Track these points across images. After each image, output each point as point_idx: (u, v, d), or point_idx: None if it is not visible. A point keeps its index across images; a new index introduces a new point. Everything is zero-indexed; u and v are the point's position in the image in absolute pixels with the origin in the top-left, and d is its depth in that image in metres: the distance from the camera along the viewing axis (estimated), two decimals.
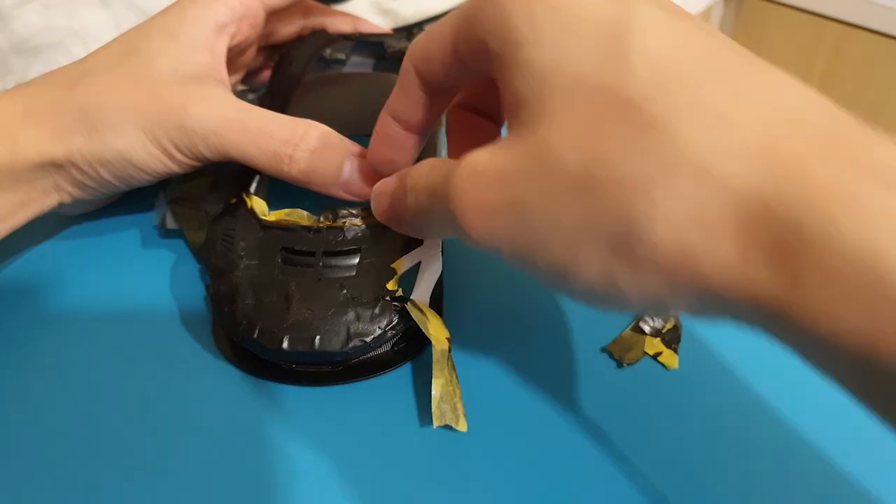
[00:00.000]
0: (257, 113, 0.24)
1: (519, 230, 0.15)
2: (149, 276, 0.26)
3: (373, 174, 0.24)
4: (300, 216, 0.24)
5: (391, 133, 0.21)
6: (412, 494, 0.19)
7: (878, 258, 0.11)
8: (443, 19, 0.18)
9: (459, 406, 0.20)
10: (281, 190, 0.28)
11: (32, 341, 0.24)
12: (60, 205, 0.25)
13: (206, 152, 0.24)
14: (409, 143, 0.21)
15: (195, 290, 0.26)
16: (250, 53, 0.32)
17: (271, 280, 0.22)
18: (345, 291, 0.22)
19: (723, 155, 0.13)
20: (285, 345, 0.21)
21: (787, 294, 0.12)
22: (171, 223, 0.27)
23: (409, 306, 0.22)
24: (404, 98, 0.20)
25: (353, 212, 0.24)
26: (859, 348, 0.11)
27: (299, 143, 0.24)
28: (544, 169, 0.15)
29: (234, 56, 0.30)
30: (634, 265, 0.14)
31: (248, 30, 0.28)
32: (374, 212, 0.22)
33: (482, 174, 0.16)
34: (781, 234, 0.12)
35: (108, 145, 0.24)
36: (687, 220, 0.13)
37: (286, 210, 0.25)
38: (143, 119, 0.23)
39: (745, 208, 0.12)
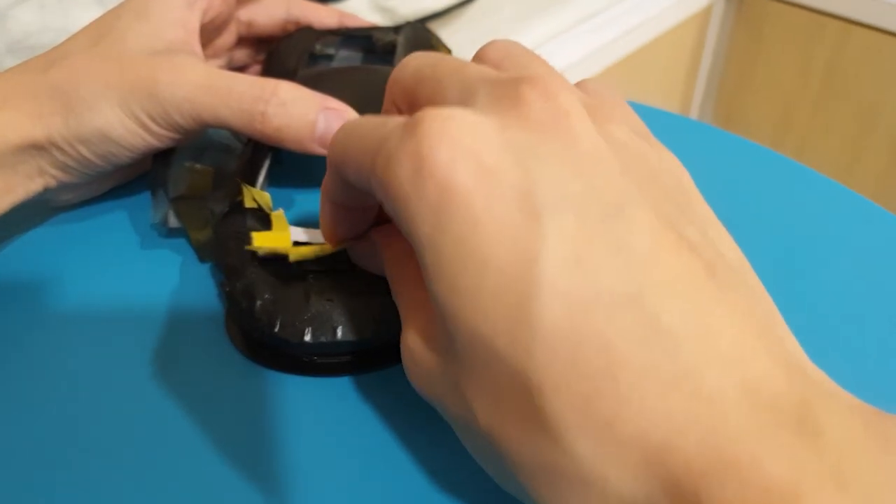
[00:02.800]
0: (227, 75, 0.25)
1: (450, 423, 0.16)
2: (151, 275, 0.26)
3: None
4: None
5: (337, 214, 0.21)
6: (435, 480, 0.19)
7: None
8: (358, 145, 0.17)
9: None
10: (281, 187, 0.28)
11: (34, 340, 0.24)
12: (46, 190, 0.26)
13: (181, 120, 0.24)
14: (360, 218, 0.21)
15: (200, 288, 0.25)
16: (228, 37, 0.32)
17: (288, 274, 0.23)
18: (360, 282, 0.22)
19: (604, 467, 0.12)
20: (308, 337, 0.21)
21: None
22: (173, 222, 0.27)
23: None
24: (338, 187, 0.20)
25: None
26: None
27: (270, 98, 0.24)
28: (462, 408, 0.15)
29: (210, 35, 0.30)
30: None
31: (220, 4, 0.29)
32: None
33: (416, 363, 0.17)
34: None
35: (86, 123, 0.24)
36: None
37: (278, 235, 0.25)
38: (117, 93, 0.24)
39: None
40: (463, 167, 0.14)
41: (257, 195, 0.25)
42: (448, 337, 0.14)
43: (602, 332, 0.12)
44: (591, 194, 0.14)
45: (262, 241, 0.24)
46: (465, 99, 0.16)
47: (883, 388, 0.22)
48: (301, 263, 0.23)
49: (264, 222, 0.25)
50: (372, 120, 0.17)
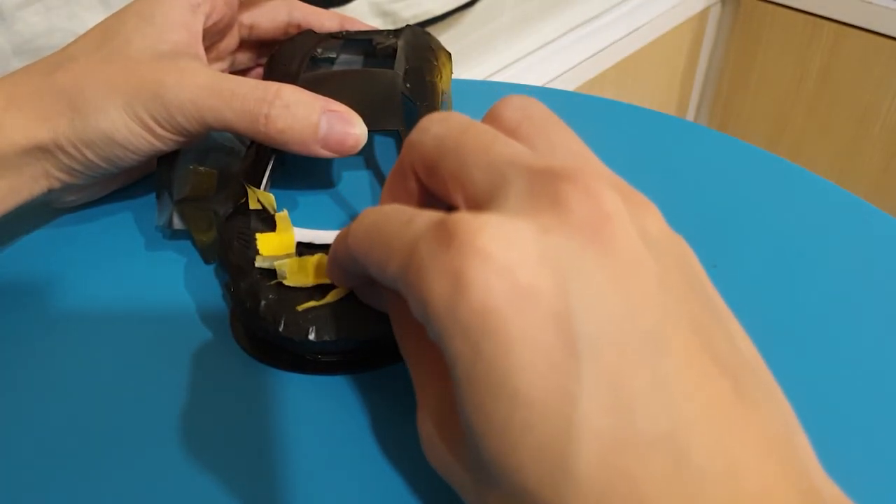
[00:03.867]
0: (231, 78, 0.25)
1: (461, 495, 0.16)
2: (156, 277, 0.26)
3: (348, 128, 0.25)
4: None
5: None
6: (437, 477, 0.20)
7: None
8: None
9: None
10: (285, 187, 0.28)
11: (40, 341, 0.24)
12: (50, 191, 0.26)
13: (185, 123, 0.24)
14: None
15: (205, 289, 0.26)
16: (231, 40, 0.32)
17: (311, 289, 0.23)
18: None
19: None
20: (311, 335, 0.21)
21: None
22: (177, 223, 0.27)
23: None
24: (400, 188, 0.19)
25: None
26: None
27: (273, 100, 0.24)
28: None
29: (213, 39, 0.30)
30: None
31: (223, 7, 0.29)
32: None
33: (435, 450, 0.16)
34: None
35: (91, 126, 0.24)
36: None
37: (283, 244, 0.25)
38: (122, 96, 0.24)
39: None
40: (498, 288, 0.13)
41: (262, 196, 0.25)
42: (474, 450, 0.14)
43: (633, 475, 0.12)
44: (630, 317, 0.13)
45: (266, 242, 0.24)
46: (494, 187, 0.15)
47: (881, 388, 0.22)
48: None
49: (268, 223, 0.25)
50: (397, 215, 0.16)
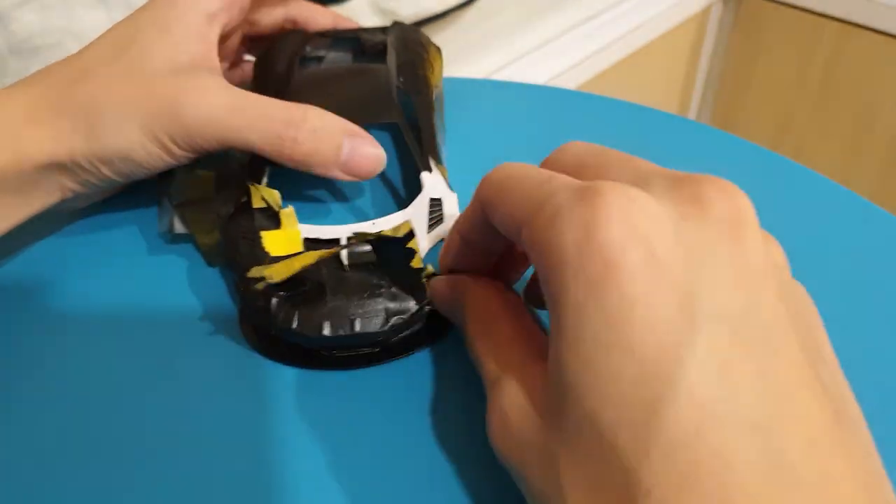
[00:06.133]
0: (253, 98, 0.25)
1: (524, 489, 0.16)
2: (160, 281, 0.26)
3: (369, 152, 0.25)
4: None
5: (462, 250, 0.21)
6: (451, 470, 0.19)
7: None
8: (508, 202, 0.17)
9: None
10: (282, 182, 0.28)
11: (46, 344, 0.24)
12: (63, 202, 0.26)
13: (204, 143, 0.24)
14: (483, 260, 0.21)
15: (210, 291, 0.26)
16: (235, 39, 0.32)
17: (302, 271, 0.23)
18: (373, 275, 0.23)
19: None
20: (326, 331, 0.21)
21: None
22: (179, 227, 0.27)
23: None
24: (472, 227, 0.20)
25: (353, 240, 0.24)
26: None
27: (301, 124, 0.24)
28: (551, 487, 0.14)
29: (222, 40, 0.30)
30: None
31: (238, 15, 0.29)
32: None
33: (507, 427, 0.16)
34: None
35: (108, 145, 0.24)
36: None
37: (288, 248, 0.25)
38: (140, 117, 0.24)
39: None
40: (634, 250, 0.13)
41: (266, 193, 0.25)
42: (561, 411, 0.14)
43: (725, 453, 0.12)
44: (749, 313, 0.13)
45: (272, 239, 0.24)
46: (638, 183, 0.16)
47: (882, 388, 0.22)
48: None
49: (272, 220, 0.25)
50: (536, 172, 0.17)
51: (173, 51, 0.25)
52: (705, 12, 1.05)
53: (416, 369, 0.23)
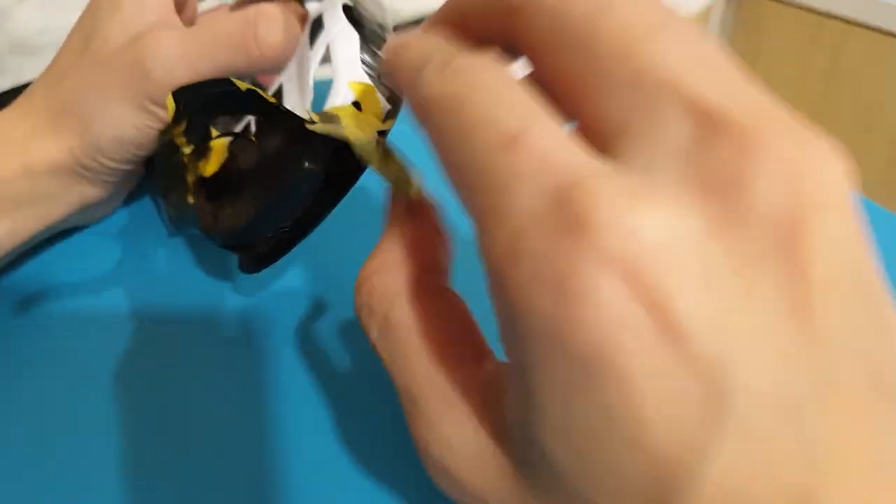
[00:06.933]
0: (202, 21, 0.25)
1: None
2: (164, 279, 0.26)
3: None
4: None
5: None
6: None
7: None
8: None
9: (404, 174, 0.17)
10: None
11: (51, 343, 0.24)
12: (83, 208, 0.26)
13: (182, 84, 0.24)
14: None
15: (211, 288, 0.26)
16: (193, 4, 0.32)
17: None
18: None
19: None
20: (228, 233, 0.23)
21: None
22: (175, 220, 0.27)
23: (313, 126, 0.20)
24: None
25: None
26: None
27: (257, 18, 0.24)
28: None
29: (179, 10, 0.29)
30: None
31: None
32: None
33: (459, 468, 0.13)
34: None
35: (100, 134, 0.24)
36: None
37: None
38: (117, 95, 0.24)
39: None
40: (639, 323, 0.09)
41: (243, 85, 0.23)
42: (538, 475, 0.12)
43: None
44: (800, 365, 0.10)
45: (351, 118, 0.21)
46: (635, 117, 0.11)
47: None
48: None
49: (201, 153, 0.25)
50: (490, 110, 0.11)
51: (130, 27, 0.25)
52: (706, 12, 1.05)
53: None
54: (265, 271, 0.23)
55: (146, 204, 0.30)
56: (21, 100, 0.25)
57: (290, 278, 0.26)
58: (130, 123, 0.24)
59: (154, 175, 0.27)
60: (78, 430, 0.21)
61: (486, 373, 0.14)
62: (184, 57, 0.23)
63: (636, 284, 0.09)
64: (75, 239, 0.28)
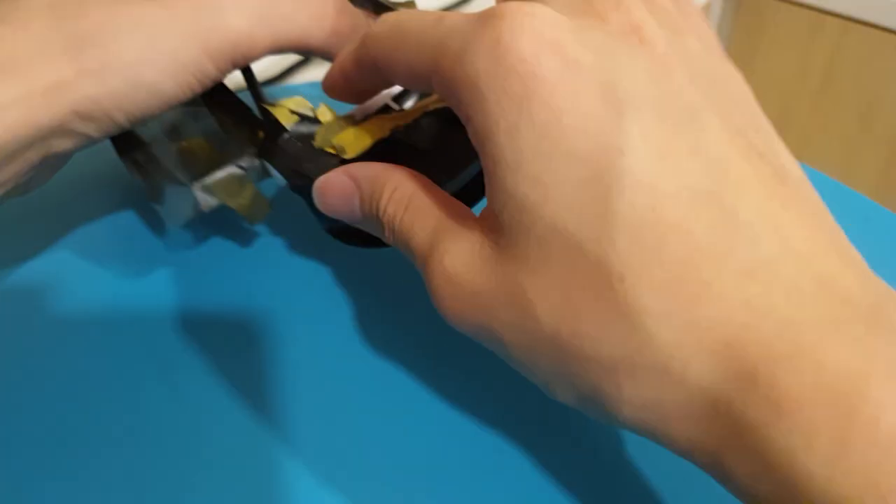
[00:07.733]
0: None
1: (494, 345, 0.16)
2: (166, 279, 0.26)
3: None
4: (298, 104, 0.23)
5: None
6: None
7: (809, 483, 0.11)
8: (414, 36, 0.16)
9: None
10: None
11: (51, 343, 0.24)
12: (37, 170, 0.21)
13: (251, 54, 0.21)
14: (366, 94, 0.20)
15: (211, 288, 0.26)
16: None
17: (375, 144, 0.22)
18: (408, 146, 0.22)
19: (684, 354, 0.13)
20: None
21: (742, 470, 0.12)
22: (207, 202, 0.25)
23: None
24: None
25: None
26: None
27: None
28: (519, 316, 0.15)
29: None
30: (605, 416, 0.14)
31: None
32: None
33: (458, 285, 0.16)
34: (736, 429, 0.12)
35: (125, 80, 0.20)
36: (648, 408, 0.13)
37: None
38: (172, 38, 0.20)
39: (701, 404, 0.13)
40: (548, 58, 0.13)
41: (291, 104, 0.23)
42: (517, 238, 0.14)
43: (684, 224, 0.13)
44: (666, 98, 0.14)
45: (344, 139, 0.22)
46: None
47: None
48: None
49: (310, 125, 0.23)
50: (425, 15, 0.16)
51: None
52: (706, 8, 1.05)
53: (417, 369, 0.23)
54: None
55: (146, 204, 0.30)
56: (10, 11, 0.19)
57: (290, 278, 0.26)
58: (172, 76, 0.20)
59: (152, 175, 0.26)
60: (78, 430, 0.21)
61: (475, 223, 0.17)
62: (263, 6, 0.21)
63: (541, 37, 0.14)
64: (76, 239, 0.28)
